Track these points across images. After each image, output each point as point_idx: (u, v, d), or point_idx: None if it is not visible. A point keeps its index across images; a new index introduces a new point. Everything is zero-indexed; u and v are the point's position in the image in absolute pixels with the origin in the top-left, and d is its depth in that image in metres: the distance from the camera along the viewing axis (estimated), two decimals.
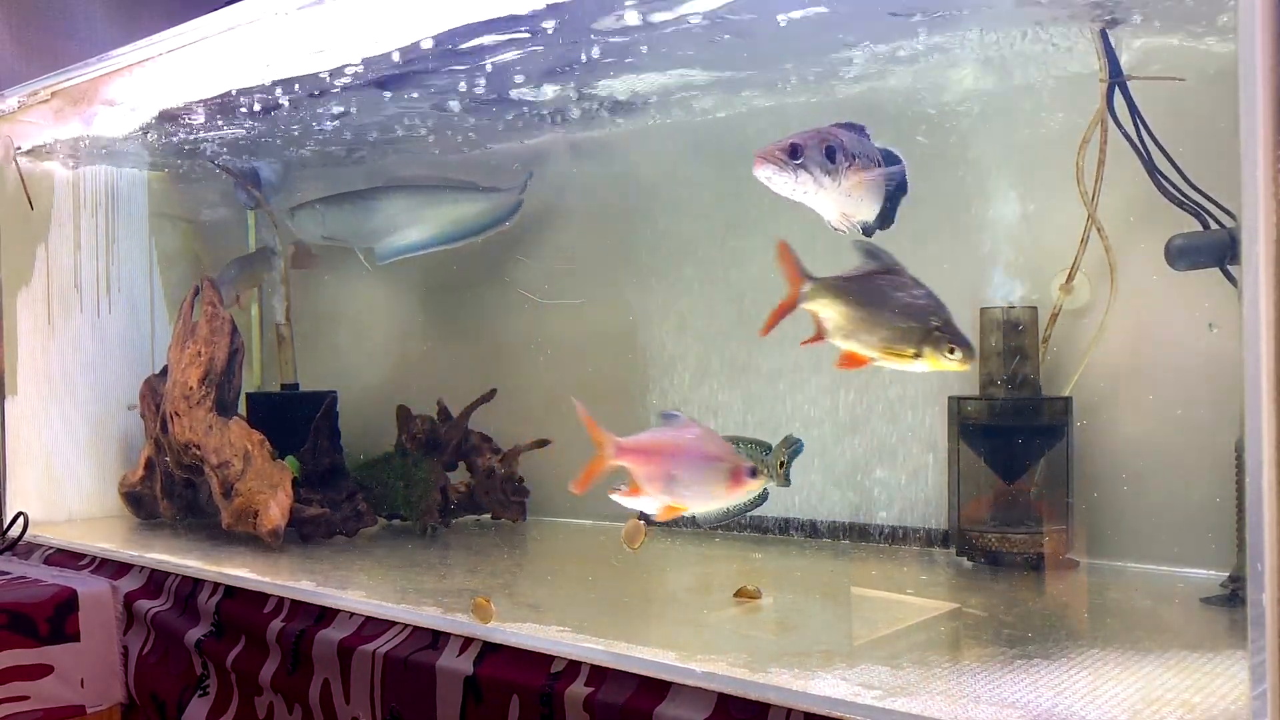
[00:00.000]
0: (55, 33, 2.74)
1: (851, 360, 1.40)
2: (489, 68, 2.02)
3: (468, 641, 1.56)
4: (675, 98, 2.18)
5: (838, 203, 1.41)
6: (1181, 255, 1.59)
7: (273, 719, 1.80)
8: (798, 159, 1.37)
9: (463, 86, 2.14)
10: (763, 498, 1.65)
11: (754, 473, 1.42)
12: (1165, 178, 1.72)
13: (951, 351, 1.34)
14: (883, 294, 1.38)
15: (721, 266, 2.26)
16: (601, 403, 2.43)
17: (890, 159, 1.46)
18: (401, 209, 2.65)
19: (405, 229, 2.63)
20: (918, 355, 1.35)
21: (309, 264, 2.89)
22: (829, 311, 1.39)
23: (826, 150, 1.38)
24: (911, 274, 1.40)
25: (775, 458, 1.63)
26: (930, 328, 1.35)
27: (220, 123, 2.45)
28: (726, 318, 2.25)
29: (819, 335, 1.41)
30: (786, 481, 1.65)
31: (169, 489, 2.48)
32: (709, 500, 1.46)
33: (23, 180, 2.62)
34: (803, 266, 1.40)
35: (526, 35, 1.83)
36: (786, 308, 1.42)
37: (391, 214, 2.66)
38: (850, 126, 1.44)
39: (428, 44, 1.87)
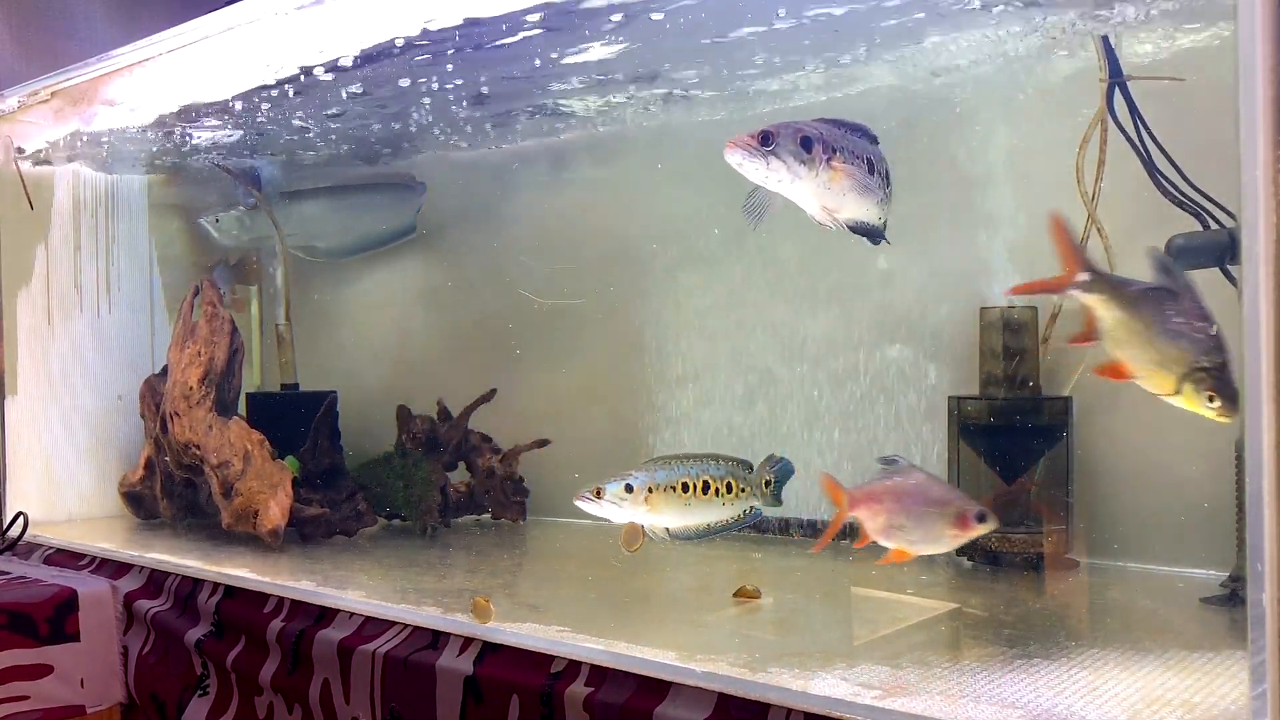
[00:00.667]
0: (55, 33, 2.74)
1: (1115, 372, 1.29)
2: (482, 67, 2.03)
3: (468, 641, 1.56)
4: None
5: (817, 195, 1.40)
6: (1181, 255, 1.59)
7: (273, 719, 1.80)
8: (769, 146, 1.36)
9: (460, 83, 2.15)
10: (751, 516, 1.57)
11: (982, 517, 1.37)
12: (1165, 178, 1.72)
13: (1211, 399, 1.21)
14: (1164, 311, 1.26)
15: (733, 265, 2.26)
16: (602, 401, 2.45)
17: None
18: (316, 209, 2.76)
19: (322, 227, 2.74)
20: (1176, 391, 1.24)
21: (252, 279, 2.93)
22: (1104, 311, 1.28)
23: (802, 140, 1.37)
24: (1206, 307, 1.26)
25: (759, 476, 1.56)
26: (1197, 365, 1.22)
27: (219, 123, 2.45)
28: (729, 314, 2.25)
29: (1088, 334, 1.30)
30: (776, 501, 1.57)
31: (169, 489, 2.48)
32: (937, 543, 1.43)
33: (23, 180, 2.62)
34: (1084, 253, 1.31)
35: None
36: (1052, 287, 1.34)
37: (308, 214, 2.76)
38: (847, 125, 1.43)
39: (423, 40, 1.87)
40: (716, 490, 1.52)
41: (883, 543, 1.44)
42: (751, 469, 1.54)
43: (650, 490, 1.50)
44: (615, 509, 1.52)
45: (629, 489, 1.50)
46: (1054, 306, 1.85)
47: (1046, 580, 1.78)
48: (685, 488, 1.51)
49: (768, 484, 1.54)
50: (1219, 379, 1.22)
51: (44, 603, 2.03)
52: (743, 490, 1.52)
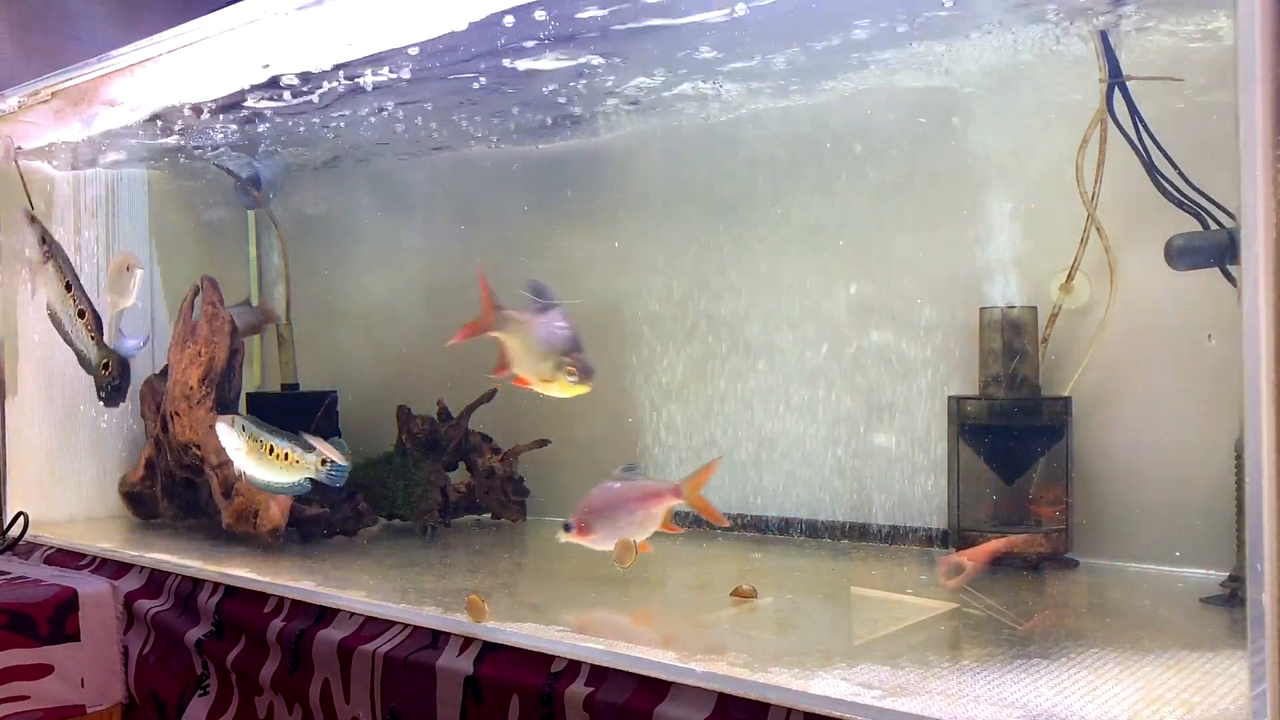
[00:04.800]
0: (55, 33, 2.74)
1: (519, 380, 1.72)
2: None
3: (468, 641, 1.56)
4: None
5: None
6: (1181, 255, 1.59)
7: (273, 719, 1.80)
8: None
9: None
10: (303, 487, 2.00)
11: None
12: (1165, 178, 1.72)
13: (571, 374, 1.64)
14: (540, 327, 1.69)
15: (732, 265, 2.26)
16: (600, 399, 2.44)
17: None
18: None
19: None
20: (552, 379, 1.66)
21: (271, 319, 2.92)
22: (507, 340, 1.74)
23: None
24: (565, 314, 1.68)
25: (316, 457, 1.97)
26: (562, 358, 1.65)
27: (219, 123, 2.45)
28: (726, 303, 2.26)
29: (502, 364, 1.75)
30: (325, 485, 1.99)
31: (169, 489, 2.48)
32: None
33: (23, 180, 2.61)
34: (495, 299, 1.73)
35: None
36: (475, 330, 1.77)
37: None
38: None
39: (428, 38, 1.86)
40: (278, 456, 1.99)
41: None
42: (312, 450, 1.98)
43: (251, 440, 2.02)
44: (229, 441, 2.05)
45: (241, 432, 2.04)
46: (1054, 306, 1.85)
47: (1046, 580, 1.78)
48: (264, 446, 2.02)
49: (324, 462, 1.98)
50: (576, 363, 1.65)
51: (44, 603, 2.03)
52: (297, 463, 1.98)
